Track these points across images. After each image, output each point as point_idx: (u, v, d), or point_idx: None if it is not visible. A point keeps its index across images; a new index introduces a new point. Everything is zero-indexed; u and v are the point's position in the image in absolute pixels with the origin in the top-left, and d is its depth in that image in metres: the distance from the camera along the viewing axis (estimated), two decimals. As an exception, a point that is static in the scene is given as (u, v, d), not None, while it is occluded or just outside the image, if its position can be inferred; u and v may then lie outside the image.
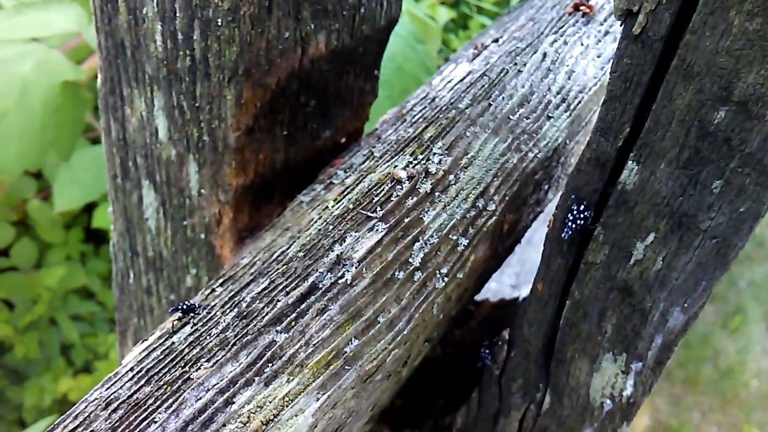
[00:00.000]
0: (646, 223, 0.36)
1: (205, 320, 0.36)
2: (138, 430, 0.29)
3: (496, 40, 0.55)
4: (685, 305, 0.38)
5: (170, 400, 0.30)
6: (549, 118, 0.47)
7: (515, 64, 0.50)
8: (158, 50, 0.44)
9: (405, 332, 0.36)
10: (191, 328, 0.35)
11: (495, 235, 0.43)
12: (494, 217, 0.42)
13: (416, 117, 0.48)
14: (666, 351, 0.40)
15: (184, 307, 0.34)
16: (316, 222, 0.40)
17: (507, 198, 0.43)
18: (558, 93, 0.49)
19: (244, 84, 0.45)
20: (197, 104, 0.46)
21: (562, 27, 0.54)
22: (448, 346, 0.59)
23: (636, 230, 0.37)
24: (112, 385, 0.33)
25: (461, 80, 0.51)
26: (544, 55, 0.50)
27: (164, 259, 0.57)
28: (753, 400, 1.99)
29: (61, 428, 0.31)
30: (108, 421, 0.30)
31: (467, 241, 0.40)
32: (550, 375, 0.44)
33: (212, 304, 0.37)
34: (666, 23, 0.31)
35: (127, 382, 0.33)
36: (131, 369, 0.34)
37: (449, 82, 0.51)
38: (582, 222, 0.36)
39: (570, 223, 0.36)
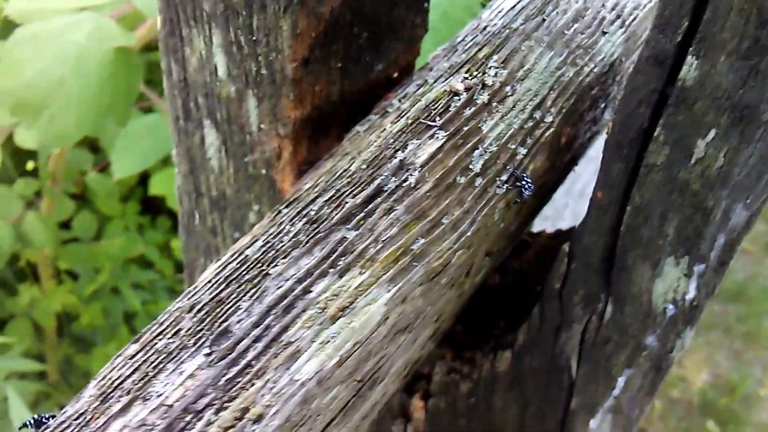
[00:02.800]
0: (707, 119, 0.36)
1: (275, 233, 0.37)
2: (224, 317, 0.31)
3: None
4: (748, 201, 0.38)
5: (252, 291, 0.32)
6: (604, 33, 0.47)
7: (566, -18, 0.50)
8: (215, -15, 0.45)
9: (468, 234, 0.37)
10: (262, 241, 0.37)
11: (553, 147, 0.43)
12: (551, 129, 0.43)
13: (468, 45, 0.49)
14: (729, 250, 0.40)
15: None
16: (375, 142, 0.42)
17: (564, 111, 0.43)
18: (612, 9, 0.49)
19: (299, 13, 0.45)
20: (254, 38, 0.48)
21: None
22: (507, 275, 0.59)
23: (697, 127, 0.37)
24: (192, 295, 0.35)
25: (512, 8, 0.51)
26: (596, -28, 0.50)
27: (228, 198, 0.59)
28: (815, 352, 1.96)
29: (148, 333, 0.33)
30: (194, 319, 0.32)
31: (525, 150, 0.41)
32: (611, 284, 0.44)
33: (280, 221, 0.39)
34: None
35: (207, 289, 0.34)
36: (209, 281, 0.35)
37: (499, 12, 0.51)
38: None
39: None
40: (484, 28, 0.50)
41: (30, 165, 1.57)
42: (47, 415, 0.31)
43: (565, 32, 0.46)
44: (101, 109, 1.08)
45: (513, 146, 0.40)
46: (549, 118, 0.42)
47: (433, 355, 0.56)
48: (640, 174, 0.40)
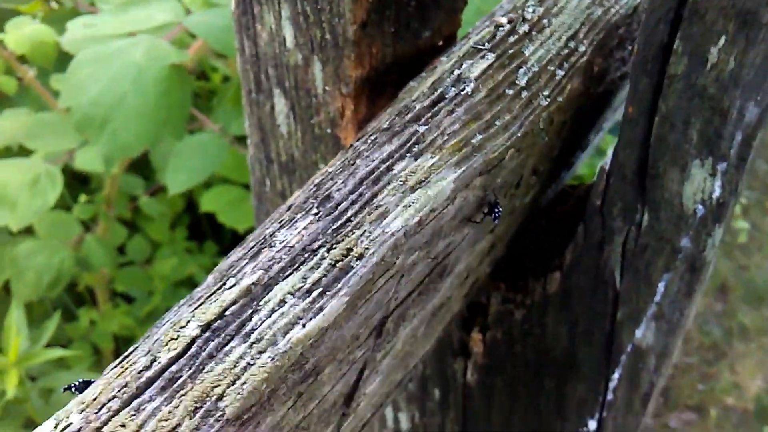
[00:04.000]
0: (717, 27, 0.43)
1: (355, 146, 0.44)
2: (326, 189, 0.37)
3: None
4: (758, 98, 0.44)
5: (346, 171, 0.38)
6: (628, -21, 0.54)
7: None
8: (284, -37, 0.53)
9: (518, 135, 0.43)
10: (342, 154, 0.44)
11: (587, 73, 0.50)
12: (585, 57, 0.49)
13: (504, 7, 0.56)
14: (746, 147, 0.46)
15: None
16: (421, 86, 0.48)
17: (594, 43, 0.50)
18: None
19: (358, -20, 0.52)
20: (319, 6, 0.55)
21: None
22: (551, 221, 0.65)
23: (709, 36, 0.43)
24: (296, 196, 0.41)
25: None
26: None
27: (296, 160, 0.66)
28: None
29: (262, 223, 0.40)
30: (300, 199, 0.38)
31: (563, 72, 0.47)
32: (646, 193, 0.50)
33: (354, 144, 0.46)
34: None
35: (300, 194, 0.41)
36: (308, 184, 0.42)
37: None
38: None
39: None
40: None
41: (83, 197, 1.66)
42: (91, 380, 0.32)
43: (592, -21, 0.53)
44: (159, 122, 1.17)
45: (552, 68, 0.47)
46: (582, 48, 0.49)
47: (489, 288, 0.62)
48: (664, 85, 0.46)
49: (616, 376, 0.59)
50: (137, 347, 0.31)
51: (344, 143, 0.63)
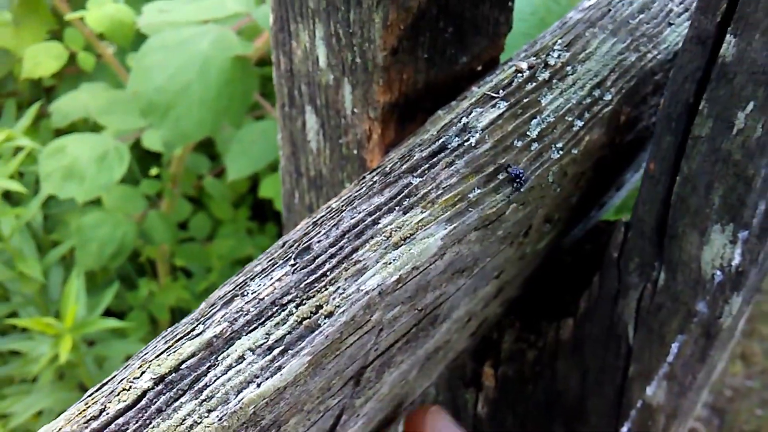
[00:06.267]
0: (745, 92, 0.40)
1: (357, 189, 0.44)
2: (308, 240, 0.37)
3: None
4: (786, 169, 0.41)
5: (331, 219, 0.38)
6: (670, 24, 0.51)
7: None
8: (319, -15, 0.53)
9: (521, 190, 0.42)
10: (346, 195, 0.43)
11: (611, 123, 0.48)
12: (610, 107, 0.47)
13: (546, 37, 0.54)
14: (770, 217, 0.43)
15: None
16: (448, 116, 0.47)
17: (623, 91, 0.48)
18: (681, 2, 0.53)
19: (390, 7, 0.52)
20: (351, 30, 0.54)
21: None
22: (580, 258, 0.63)
23: (737, 101, 0.41)
24: (285, 237, 0.42)
25: (590, 6, 0.56)
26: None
27: (323, 177, 0.66)
28: None
29: (249, 264, 0.40)
30: (283, 247, 0.38)
31: (582, 122, 0.45)
32: (664, 252, 0.48)
33: (362, 180, 0.45)
34: None
35: (297, 231, 0.41)
36: (300, 228, 0.42)
37: (581, 9, 0.56)
38: None
39: None
40: (564, 23, 0.55)
41: (154, 171, 1.71)
42: None
43: (630, 21, 0.50)
44: (219, 112, 1.19)
45: (570, 118, 0.45)
46: (608, 97, 0.47)
47: (503, 324, 0.61)
48: (688, 146, 0.44)
49: (625, 430, 0.57)
50: (104, 384, 0.32)
51: (369, 165, 0.62)
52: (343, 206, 0.40)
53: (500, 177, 0.41)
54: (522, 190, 0.41)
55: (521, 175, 0.41)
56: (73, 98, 1.48)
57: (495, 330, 0.60)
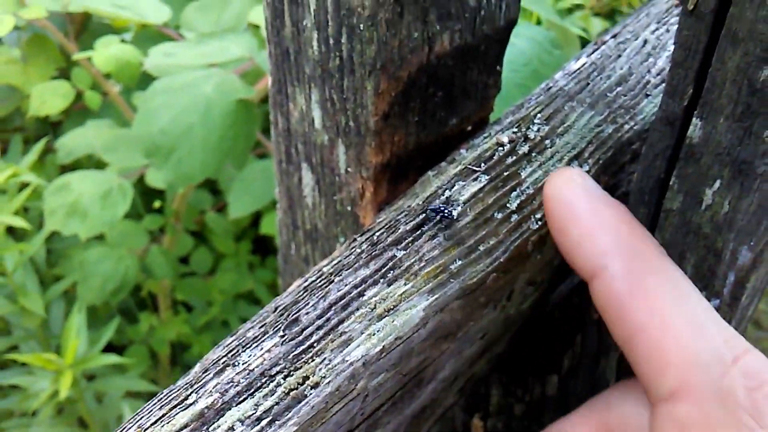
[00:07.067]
0: (712, 171, 0.43)
1: (346, 255, 0.46)
2: (296, 311, 0.39)
3: (614, 36, 0.62)
4: (751, 243, 0.44)
5: (319, 292, 0.41)
6: (647, 95, 0.54)
7: (618, 50, 0.57)
8: (315, 54, 0.55)
9: (502, 260, 0.44)
10: (336, 260, 0.46)
11: (589, 193, 0.50)
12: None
13: (531, 103, 0.56)
14: (739, 287, 0.45)
15: None
16: (436, 183, 0.50)
17: (601, 162, 0.50)
18: (658, 74, 0.55)
19: (381, 76, 0.55)
20: (344, 96, 0.57)
21: (666, 18, 0.61)
22: (568, 310, 0.65)
23: (704, 179, 0.43)
24: (277, 301, 0.44)
25: (575, 71, 0.58)
26: (645, 41, 0.57)
27: (319, 231, 0.68)
28: None
29: (242, 328, 0.42)
30: (275, 314, 0.41)
31: (561, 194, 0.48)
32: (641, 315, 0.50)
33: (352, 245, 0.48)
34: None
35: (288, 296, 0.44)
36: (291, 291, 0.45)
37: (566, 73, 0.59)
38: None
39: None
40: (549, 88, 0.58)
41: (157, 204, 1.74)
42: None
43: (608, 94, 0.53)
44: (223, 154, 1.21)
45: (549, 190, 0.48)
46: (585, 168, 0.50)
47: (491, 379, 0.63)
48: (660, 218, 0.46)
49: (606, 483, 0.59)
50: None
51: (363, 222, 0.65)
52: (332, 273, 0.42)
53: (480, 249, 0.44)
54: (450, 229, 0.43)
55: (443, 210, 0.43)
56: (78, 135, 1.51)
57: (483, 384, 0.62)
